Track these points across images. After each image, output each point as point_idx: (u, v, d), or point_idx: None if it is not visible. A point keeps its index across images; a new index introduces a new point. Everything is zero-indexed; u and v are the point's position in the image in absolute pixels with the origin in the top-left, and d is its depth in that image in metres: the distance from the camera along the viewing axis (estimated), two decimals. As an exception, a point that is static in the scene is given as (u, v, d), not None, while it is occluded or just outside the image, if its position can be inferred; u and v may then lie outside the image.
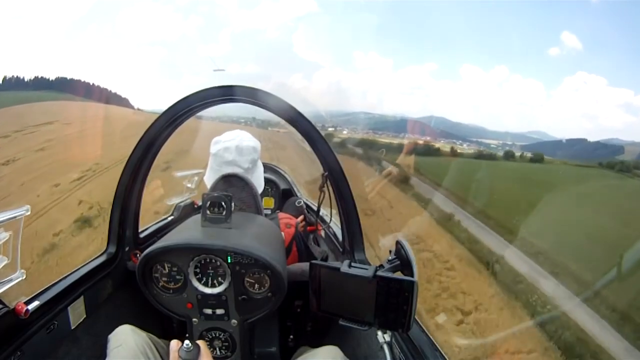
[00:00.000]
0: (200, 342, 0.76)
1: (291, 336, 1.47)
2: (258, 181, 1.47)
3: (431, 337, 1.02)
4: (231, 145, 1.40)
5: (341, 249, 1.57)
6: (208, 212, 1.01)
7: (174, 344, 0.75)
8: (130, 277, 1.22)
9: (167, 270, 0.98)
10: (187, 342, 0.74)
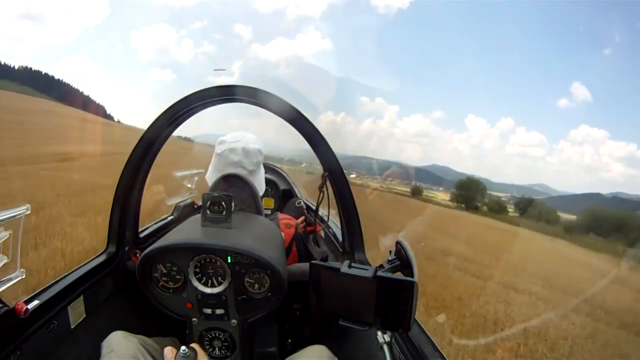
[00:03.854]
0: (195, 346, 0.76)
1: (289, 340, 1.47)
2: (260, 184, 1.47)
3: (431, 337, 1.02)
4: (237, 146, 1.40)
5: (341, 250, 1.57)
6: (208, 211, 1.01)
7: (168, 351, 0.75)
8: (130, 277, 1.22)
9: (166, 270, 0.98)
10: (183, 347, 0.74)
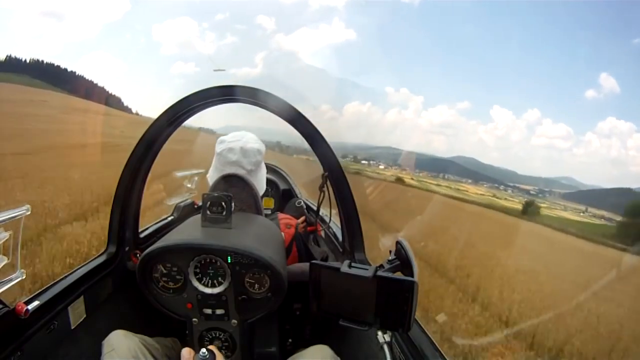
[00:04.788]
0: (213, 348, 0.75)
1: (290, 340, 1.47)
2: (260, 184, 1.47)
3: (431, 337, 1.02)
4: (236, 146, 1.40)
5: (341, 249, 1.57)
6: (208, 212, 1.01)
7: (186, 352, 0.73)
8: (130, 277, 1.22)
9: (167, 270, 0.98)
10: (203, 350, 0.73)
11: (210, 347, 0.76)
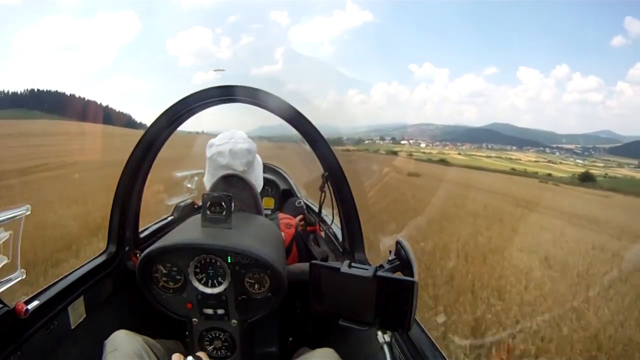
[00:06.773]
0: (202, 354, 0.78)
1: (290, 338, 1.47)
2: (257, 181, 1.47)
3: (431, 337, 1.02)
4: (224, 149, 1.39)
5: (341, 249, 1.57)
6: (208, 212, 1.01)
7: (175, 357, 0.77)
8: (130, 277, 1.22)
9: (167, 270, 0.98)
10: (190, 358, 0.77)
11: (200, 353, 0.80)
